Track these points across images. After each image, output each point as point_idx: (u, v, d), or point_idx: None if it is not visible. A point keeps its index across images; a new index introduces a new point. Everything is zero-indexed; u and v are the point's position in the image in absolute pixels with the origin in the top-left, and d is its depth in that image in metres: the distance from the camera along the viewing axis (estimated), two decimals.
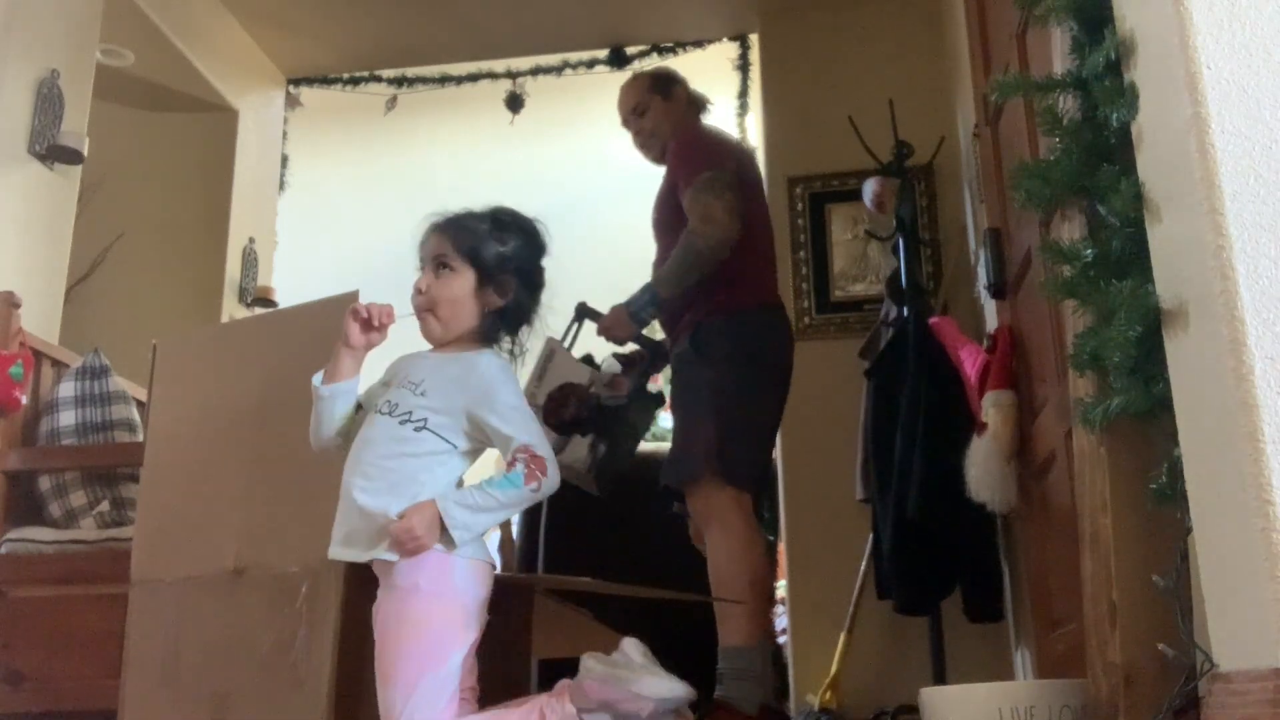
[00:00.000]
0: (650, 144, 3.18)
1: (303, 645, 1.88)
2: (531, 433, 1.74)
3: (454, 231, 1.84)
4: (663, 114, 3.15)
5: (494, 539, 3.21)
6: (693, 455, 2.77)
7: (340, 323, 1.80)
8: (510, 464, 1.71)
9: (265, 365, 2.18)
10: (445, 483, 1.73)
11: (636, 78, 3.30)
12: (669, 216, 2.95)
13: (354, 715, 1.88)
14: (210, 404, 2.21)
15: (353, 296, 2.01)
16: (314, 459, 1.92)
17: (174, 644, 2.06)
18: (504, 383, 1.78)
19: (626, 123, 3.22)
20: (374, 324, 1.77)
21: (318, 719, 1.83)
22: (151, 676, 2.06)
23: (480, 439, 1.77)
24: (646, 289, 2.86)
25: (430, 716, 1.61)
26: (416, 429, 1.73)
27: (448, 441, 1.74)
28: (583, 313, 2.97)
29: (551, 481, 1.72)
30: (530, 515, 3.92)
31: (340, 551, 1.74)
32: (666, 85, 3.20)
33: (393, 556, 1.66)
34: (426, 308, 1.81)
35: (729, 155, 3.02)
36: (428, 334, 1.83)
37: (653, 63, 5.42)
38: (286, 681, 1.89)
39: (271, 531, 2.02)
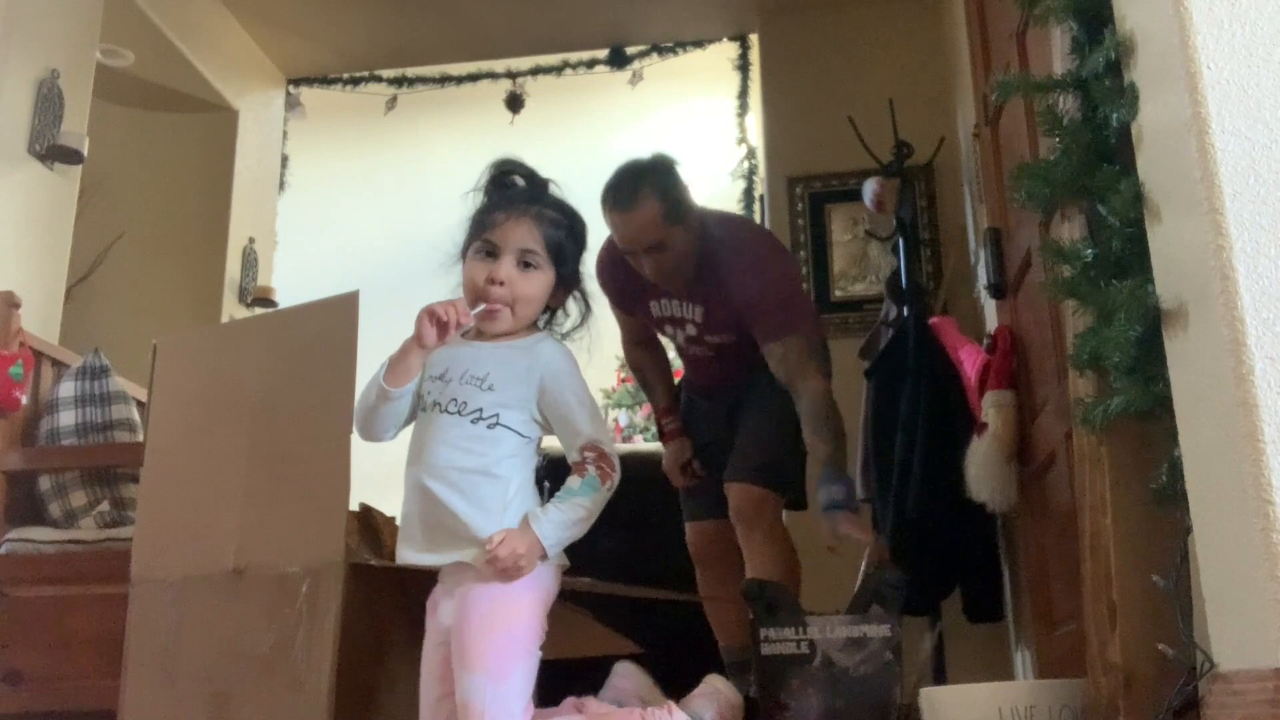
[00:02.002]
0: (678, 272, 2.66)
1: (303, 645, 1.88)
2: (599, 429, 1.73)
3: (545, 228, 1.76)
4: (688, 239, 2.62)
5: None
6: (789, 466, 2.80)
7: (339, 322, 1.79)
8: (580, 465, 1.70)
9: (265, 365, 2.17)
10: (527, 481, 1.70)
11: (639, 207, 2.55)
12: (739, 331, 2.76)
13: (354, 715, 1.88)
14: (210, 404, 2.21)
15: (353, 296, 2.01)
16: (313, 459, 1.92)
17: (174, 644, 2.05)
18: (572, 369, 1.76)
19: (634, 255, 2.64)
20: (450, 327, 1.67)
21: (318, 719, 1.83)
22: (151, 676, 2.06)
23: (546, 426, 1.74)
24: (836, 484, 2.61)
25: (519, 706, 1.59)
26: (490, 426, 1.68)
27: (522, 435, 1.71)
28: (897, 585, 2.22)
29: (619, 477, 1.71)
30: None
31: (416, 557, 1.68)
32: (680, 207, 2.59)
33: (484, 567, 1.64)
34: (507, 302, 1.73)
35: (806, 303, 2.94)
36: (495, 326, 1.74)
37: (653, 63, 5.43)
38: (286, 681, 1.88)
39: (271, 531, 2.02)
